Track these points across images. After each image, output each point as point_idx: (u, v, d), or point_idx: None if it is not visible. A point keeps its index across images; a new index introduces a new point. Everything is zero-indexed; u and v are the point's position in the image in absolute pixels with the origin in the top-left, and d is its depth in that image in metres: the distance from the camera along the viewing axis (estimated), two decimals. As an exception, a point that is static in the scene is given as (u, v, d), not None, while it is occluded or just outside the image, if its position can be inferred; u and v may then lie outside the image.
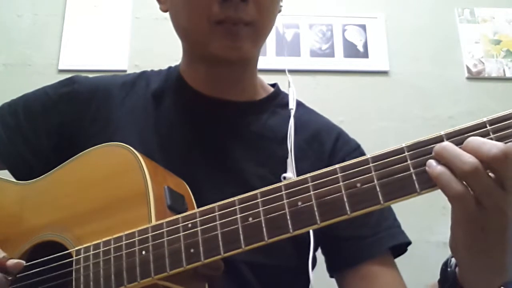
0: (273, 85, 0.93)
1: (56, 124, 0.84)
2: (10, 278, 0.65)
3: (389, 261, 0.79)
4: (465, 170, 0.47)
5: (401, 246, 0.79)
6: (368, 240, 0.77)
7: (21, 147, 0.84)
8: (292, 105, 0.85)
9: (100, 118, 0.83)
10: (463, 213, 0.49)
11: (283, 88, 0.93)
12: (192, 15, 0.76)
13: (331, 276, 0.82)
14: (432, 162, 0.49)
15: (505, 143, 0.47)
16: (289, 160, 0.78)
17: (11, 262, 0.65)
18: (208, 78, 0.84)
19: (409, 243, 0.80)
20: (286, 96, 0.90)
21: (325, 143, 0.84)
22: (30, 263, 0.69)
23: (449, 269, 0.59)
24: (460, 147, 0.48)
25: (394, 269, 0.79)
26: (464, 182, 0.48)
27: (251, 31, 0.76)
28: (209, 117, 0.83)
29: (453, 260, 0.59)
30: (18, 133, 0.84)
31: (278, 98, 0.90)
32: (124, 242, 0.61)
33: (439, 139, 0.50)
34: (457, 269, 0.58)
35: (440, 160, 0.49)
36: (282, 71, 1.00)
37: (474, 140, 0.48)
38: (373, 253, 0.77)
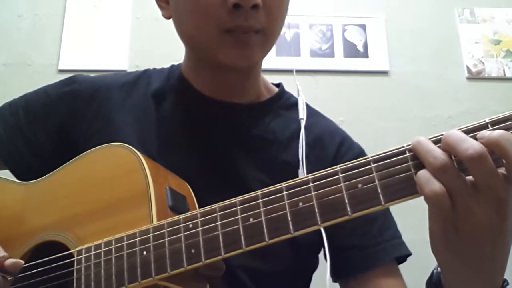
0: (278, 85, 0.92)
1: (56, 124, 0.84)
2: (10, 278, 0.65)
3: (393, 270, 0.78)
4: (435, 166, 0.46)
5: (402, 257, 0.79)
6: (370, 250, 0.77)
7: (21, 147, 0.84)
8: (302, 114, 0.83)
9: (101, 119, 0.82)
10: (437, 212, 0.48)
11: (286, 88, 0.92)
12: (200, 23, 0.73)
13: (334, 281, 0.82)
14: None
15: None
16: (300, 171, 0.77)
17: (9, 261, 0.65)
18: (212, 82, 0.82)
19: (410, 254, 0.80)
20: (291, 96, 0.89)
21: (328, 148, 0.84)
22: (31, 263, 0.69)
23: (435, 271, 0.59)
24: (441, 138, 0.48)
25: (397, 279, 0.78)
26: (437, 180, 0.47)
27: (261, 39, 0.73)
28: (210, 119, 0.83)
29: None
30: (19, 133, 0.84)
31: (282, 99, 0.88)
32: (125, 243, 0.61)
33: (440, 140, 0.50)
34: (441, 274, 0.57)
35: (415, 154, 0.49)
36: (282, 71, 0.99)
37: (453, 135, 0.47)
38: (375, 263, 0.77)
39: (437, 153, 0.47)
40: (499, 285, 0.52)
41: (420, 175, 0.48)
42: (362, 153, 0.86)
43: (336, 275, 0.81)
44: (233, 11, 0.70)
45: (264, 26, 0.72)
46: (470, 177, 0.47)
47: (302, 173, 0.76)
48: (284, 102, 0.88)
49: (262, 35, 0.73)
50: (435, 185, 0.47)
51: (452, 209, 0.47)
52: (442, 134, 0.49)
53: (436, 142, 0.49)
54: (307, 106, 0.90)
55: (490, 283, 0.52)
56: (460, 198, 0.46)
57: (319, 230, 0.72)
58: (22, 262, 0.66)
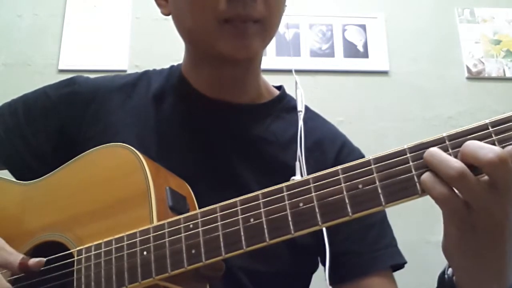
0: (279, 88, 0.91)
1: (56, 126, 0.84)
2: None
3: (387, 278, 0.78)
4: (451, 175, 0.47)
5: (397, 265, 0.79)
6: (365, 256, 0.77)
7: (20, 148, 0.84)
8: (300, 107, 0.84)
9: (100, 120, 0.82)
10: (452, 214, 0.49)
11: (287, 89, 0.92)
12: (198, 15, 0.74)
13: (331, 285, 0.82)
14: None
15: (506, 145, 0.47)
16: (297, 163, 0.77)
17: (33, 261, 0.65)
18: (211, 79, 0.82)
19: (405, 263, 0.80)
20: (292, 100, 0.89)
21: (328, 152, 0.83)
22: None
23: (446, 276, 0.58)
24: (458, 150, 0.48)
25: (391, 286, 0.78)
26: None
27: (260, 28, 0.74)
28: (210, 119, 0.82)
29: (451, 269, 0.59)
30: (18, 134, 0.84)
31: (283, 101, 0.88)
32: (126, 243, 0.61)
33: (441, 141, 0.50)
34: (454, 277, 0.57)
35: (429, 166, 0.49)
36: (282, 71, 0.99)
37: (472, 144, 0.48)
38: (370, 270, 0.77)
39: (452, 162, 0.47)
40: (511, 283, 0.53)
41: (424, 179, 0.48)
42: (362, 158, 0.86)
43: (331, 280, 0.81)
44: (231, 0, 0.70)
45: (262, 16, 0.73)
46: (485, 178, 0.47)
47: (299, 167, 0.76)
48: (285, 104, 0.88)
49: (260, 25, 0.74)
50: (443, 188, 0.48)
51: (467, 209, 0.48)
52: (442, 135, 0.50)
53: (436, 143, 0.50)
54: (309, 109, 0.89)
55: (504, 282, 0.53)
56: (478, 202, 0.47)
57: (318, 233, 0.72)
58: (44, 260, 0.66)
